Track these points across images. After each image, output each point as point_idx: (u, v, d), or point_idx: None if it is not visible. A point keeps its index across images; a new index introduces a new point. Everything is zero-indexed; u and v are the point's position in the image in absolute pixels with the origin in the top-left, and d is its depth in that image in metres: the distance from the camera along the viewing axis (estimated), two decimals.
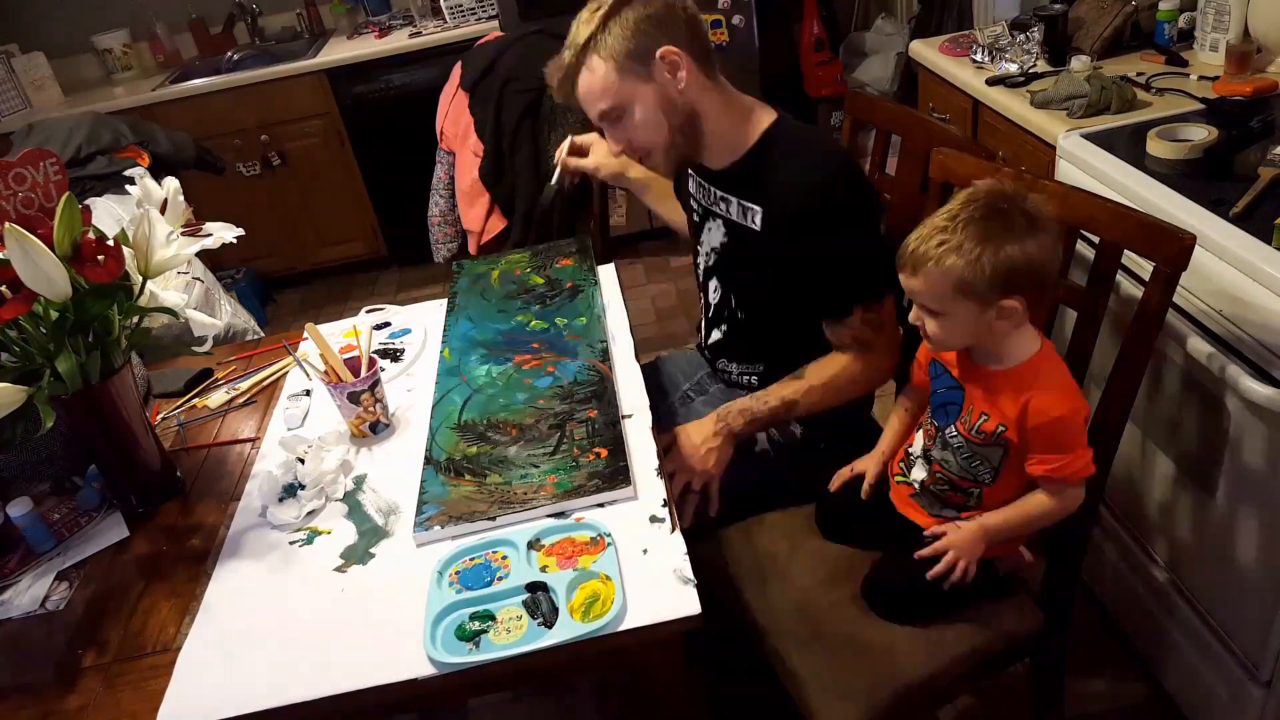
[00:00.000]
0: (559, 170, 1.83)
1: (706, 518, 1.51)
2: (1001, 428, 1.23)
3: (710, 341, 1.69)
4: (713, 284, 1.63)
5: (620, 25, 1.36)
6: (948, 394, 1.30)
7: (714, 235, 1.57)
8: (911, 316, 1.24)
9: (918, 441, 1.39)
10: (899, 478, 1.41)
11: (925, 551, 1.29)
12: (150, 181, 1.35)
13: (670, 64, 1.38)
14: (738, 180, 1.48)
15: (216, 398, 1.66)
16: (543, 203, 1.86)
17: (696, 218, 1.63)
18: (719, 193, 1.53)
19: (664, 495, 1.24)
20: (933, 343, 1.26)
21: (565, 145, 1.84)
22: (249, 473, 1.44)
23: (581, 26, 1.39)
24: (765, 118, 1.47)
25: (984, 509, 1.30)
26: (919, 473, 1.37)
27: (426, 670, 1.04)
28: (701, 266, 1.64)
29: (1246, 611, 1.45)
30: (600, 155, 1.82)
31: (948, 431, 1.29)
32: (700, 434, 1.50)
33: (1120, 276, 1.37)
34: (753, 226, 1.48)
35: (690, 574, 1.10)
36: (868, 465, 1.46)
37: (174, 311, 1.30)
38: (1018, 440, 1.23)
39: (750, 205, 1.47)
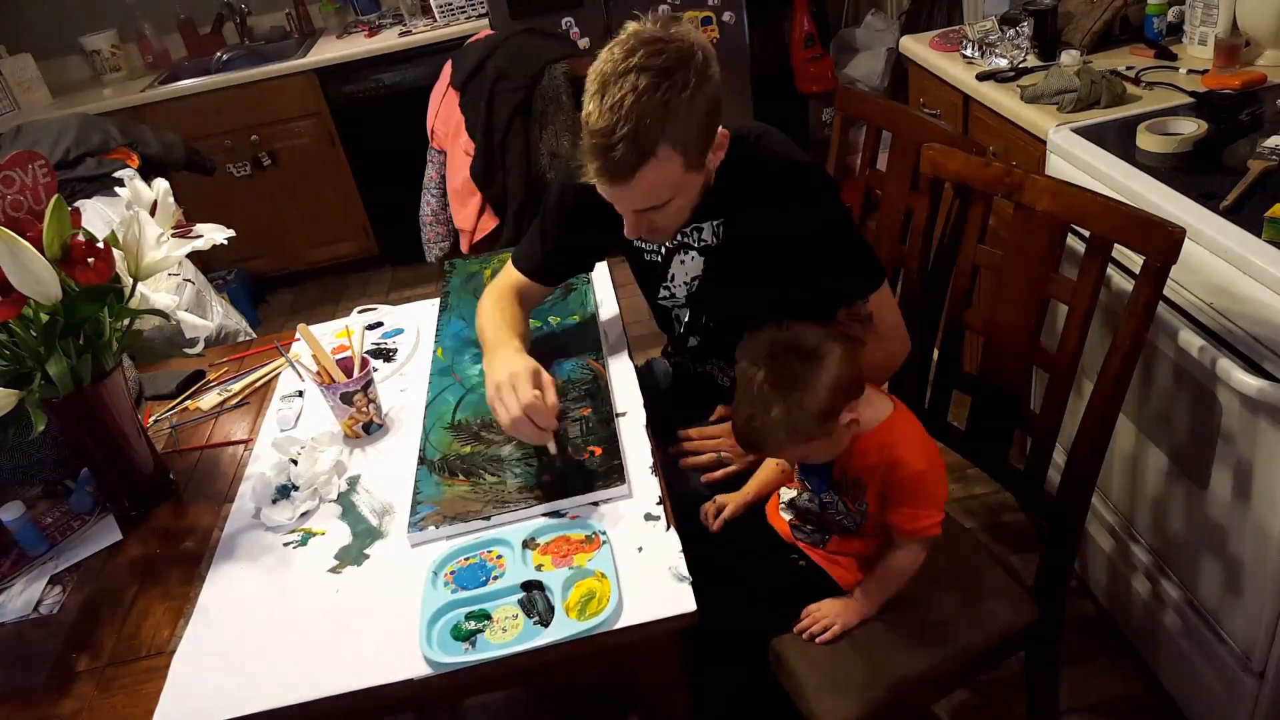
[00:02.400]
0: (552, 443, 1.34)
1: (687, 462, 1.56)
2: (857, 481, 1.30)
3: (689, 347, 1.63)
4: (687, 314, 1.57)
5: (688, 110, 1.17)
6: (819, 468, 1.34)
7: (690, 267, 1.49)
8: (781, 474, 1.37)
9: (785, 493, 1.46)
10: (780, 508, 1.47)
11: (805, 625, 1.36)
12: (140, 183, 1.34)
13: (719, 146, 1.27)
14: (704, 209, 1.39)
15: (209, 400, 1.65)
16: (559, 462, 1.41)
17: (659, 259, 1.52)
18: (690, 225, 1.43)
19: (658, 493, 1.24)
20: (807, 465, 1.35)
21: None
22: (242, 474, 1.44)
23: (627, 95, 1.14)
24: (720, 150, 1.33)
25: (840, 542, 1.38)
26: (786, 514, 1.44)
27: (423, 670, 1.04)
28: (680, 298, 1.55)
29: (1239, 602, 1.46)
30: (549, 391, 1.34)
31: (823, 496, 1.36)
32: None
33: (1111, 270, 1.37)
34: (718, 241, 1.44)
35: (685, 571, 1.11)
36: (729, 499, 1.49)
37: (165, 313, 1.30)
38: (880, 493, 1.29)
39: (715, 222, 1.43)
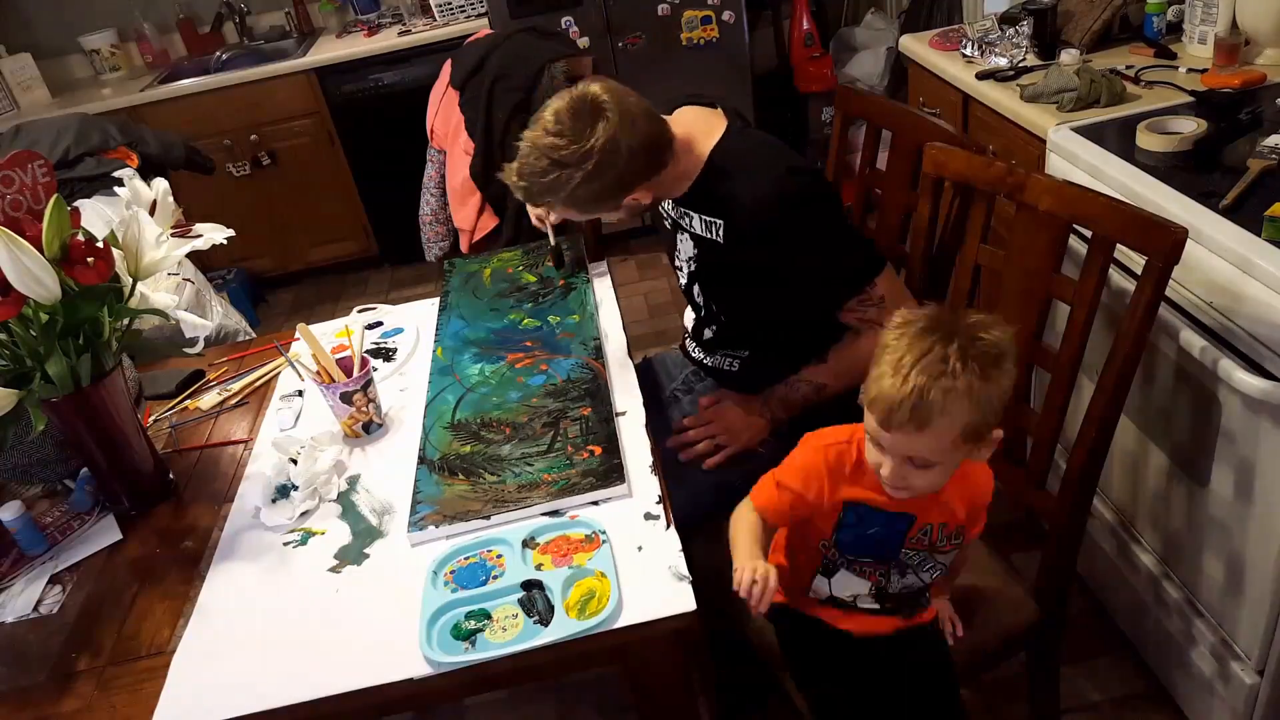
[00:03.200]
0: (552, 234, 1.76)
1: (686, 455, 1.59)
2: (960, 527, 1.19)
3: (704, 339, 1.69)
4: (696, 289, 1.63)
5: (585, 195, 1.36)
6: (885, 529, 1.17)
7: (686, 247, 1.58)
8: (887, 476, 1.08)
9: (852, 586, 1.23)
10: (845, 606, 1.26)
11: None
12: (139, 182, 1.34)
13: (634, 199, 1.42)
14: (697, 198, 1.48)
15: (208, 399, 1.65)
16: (559, 265, 1.81)
17: (669, 227, 1.62)
18: (683, 209, 1.53)
19: (658, 492, 1.24)
20: (909, 493, 1.11)
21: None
22: (242, 474, 1.44)
23: (538, 178, 1.35)
24: (714, 132, 1.47)
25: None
26: (869, 604, 1.25)
27: (423, 670, 1.04)
28: (684, 274, 1.64)
29: (1239, 601, 1.46)
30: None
31: (904, 558, 1.19)
32: (747, 410, 1.58)
33: (1112, 270, 1.37)
34: (717, 239, 1.49)
35: (685, 570, 1.10)
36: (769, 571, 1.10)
37: (164, 313, 1.30)
38: (969, 527, 1.22)
39: (711, 219, 1.48)
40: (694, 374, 1.76)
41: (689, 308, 1.74)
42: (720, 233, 1.47)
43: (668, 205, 1.59)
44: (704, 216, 1.49)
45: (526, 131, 1.38)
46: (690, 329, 1.75)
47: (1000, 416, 1.06)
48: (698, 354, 1.72)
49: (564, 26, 3.38)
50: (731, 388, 1.67)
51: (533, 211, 1.77)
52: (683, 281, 1.67)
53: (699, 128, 1.48)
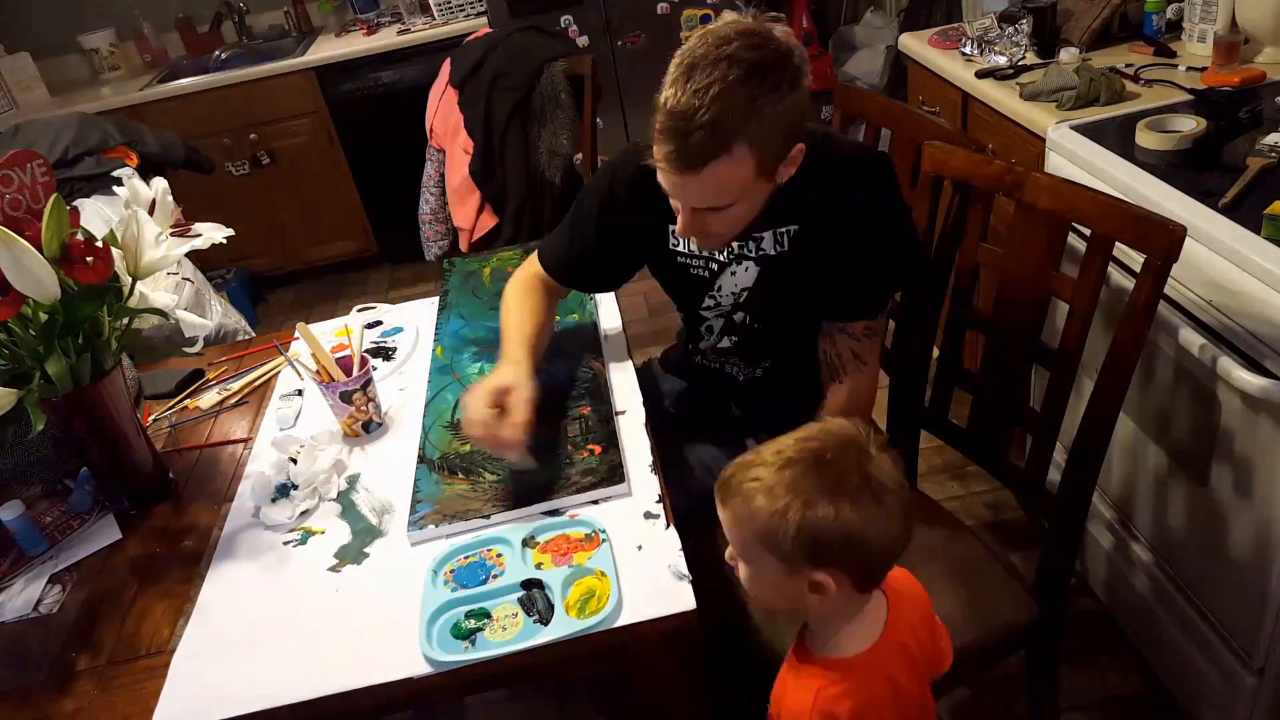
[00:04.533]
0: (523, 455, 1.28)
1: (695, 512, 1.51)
2: None
3: (718, 347, 1.56)
4: (740, 317, 1.48)
5: (774, 113, 1.12)
6: None
7: (741, 278, 1.42)
8: (727, 554, 0.98)
9: None
10: None
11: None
12: (138, 182, 1.34)
13: (794, 160, 1.21)
14: (769, 214, 1.31)
15: (208, 399, 1.65)
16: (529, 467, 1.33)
17: (701, 272, 1.45)
18: (752, 233, 1.36)
19: (658, 492, 1.24)
20: (746, 590, 0.98)
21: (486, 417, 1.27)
22: (242, 473, 1.44)
23: (716, 82, 1.08)
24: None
25: None
26: None
27: (423, 669, 1.04)
28: (723, 309, 1.48)
29: (1239, 600, 1.46)
30: (527, 388, 1.30)
31: None
32: None
33: (1111, 268, 1.37)
34: (783, 250, 1.36)
35: (685, 569, 1.10)
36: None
37: (164, 312, 1.30)
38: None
39: (785, 229, 1.35)
40: (686, 388, 1.69)
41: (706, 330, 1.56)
42: (787, 241, 1.35)
43: (703, 248, 1.42)
44: (777, 229, 1.34)
45: (669, 89, 1.11)
46: (688, 346, 1.62)
47: (812, 549, 0.89)
48: (708, 361, 1.60)
49: (563, 25, 3.38)
50: (736, 395, 1.59)
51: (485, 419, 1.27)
52: (710, 318, 1.50)
53: None
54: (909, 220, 1.39)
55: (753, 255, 1.39)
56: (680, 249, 1.45)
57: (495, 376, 1.31)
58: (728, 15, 1.16)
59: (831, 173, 1.30)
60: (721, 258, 1.41)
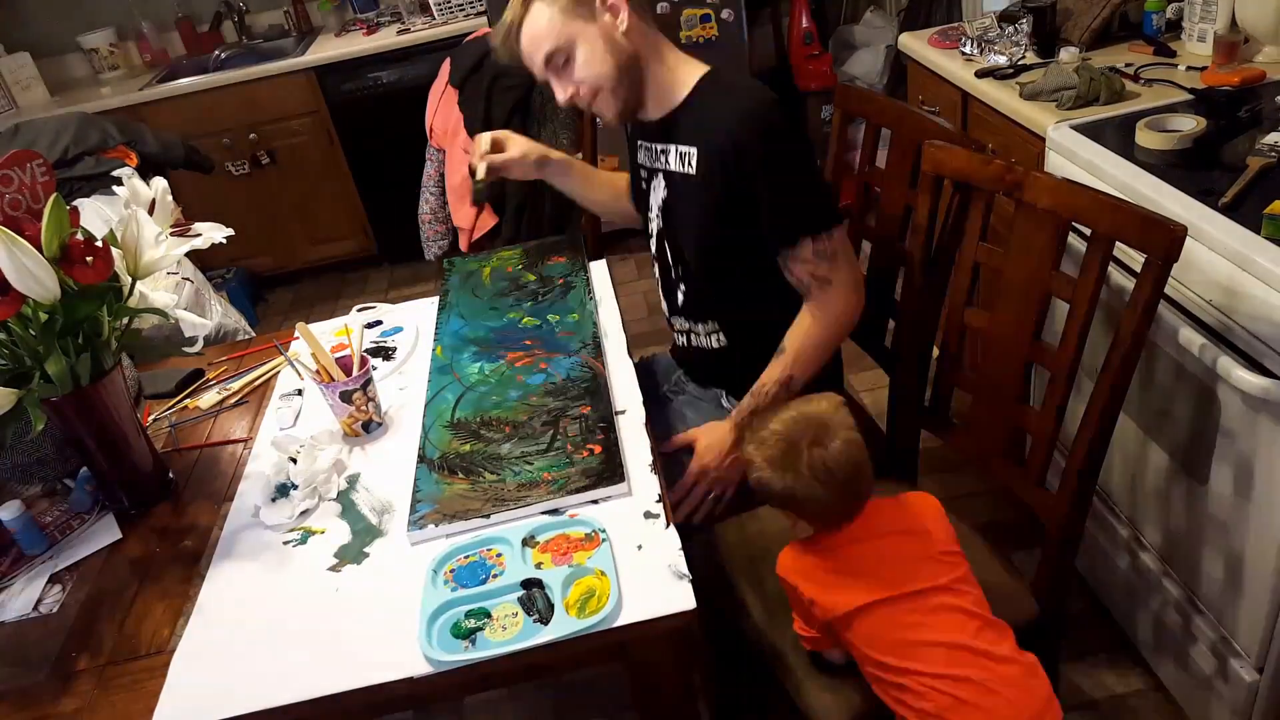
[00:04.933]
0: (483, 167, 1.68)
1: (699, 517, 1.53)
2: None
3: (680, 304, 1.66)
4: (665, 245, 1.63)
5: None
6: None
7: (657, 195, 1.59)
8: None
9: None
10: None
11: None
12: (138, 181, 1.34)
13: (611, 7, 1.42)
14: (674, 126, 1.50)
15: (208, 398, 1.65)
16: (475, 203, 1.86)
17: (644, 185, 1.63)
18: (658, 146, 1.54)
19: (658, 491, 1.24)
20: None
21: (483, 142, 1.70)
22: (241, 473, 1.44)
23: None
24: (699, 69, 1.50)
25: None
26: None
27: (423, 668, 1.04)
28: (654, 231, 1.64)
29: (1239, 599, 1.46)
30: (521, 144, 1.72)
31: None
32: (724, 441, 1.53)
33: (1111, 268, 1.37)
34: (689, 171, 1.49)
35: (685, 569, 1.10)
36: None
37: (164, 312, 1.30)
38: None
39: (685, 148, 1.49)
40: (684, 376, 1.76)
41: (659, 289, 1.72)
42: (692, 163, 1.48)
43: (643, 156, 1.61)
44: (679, 147, 1.50)
45: None
46: (664, 299, 1.72)
47: (763, 495, 1.21)
48: (679, 325, 1.69)
49: None
50: (716, 372, 1.67)
51: (477, 150, 1.70)
52: (653, 244, 1.66)
53: (691, 60, 1.52)
54: (800, 168, 1.46)
55: (661, 168, 1.56)
56: (639, 159, 1.64)
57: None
58: None
59: (724, 104, 1.44)
60: (645, 171, 1.62)
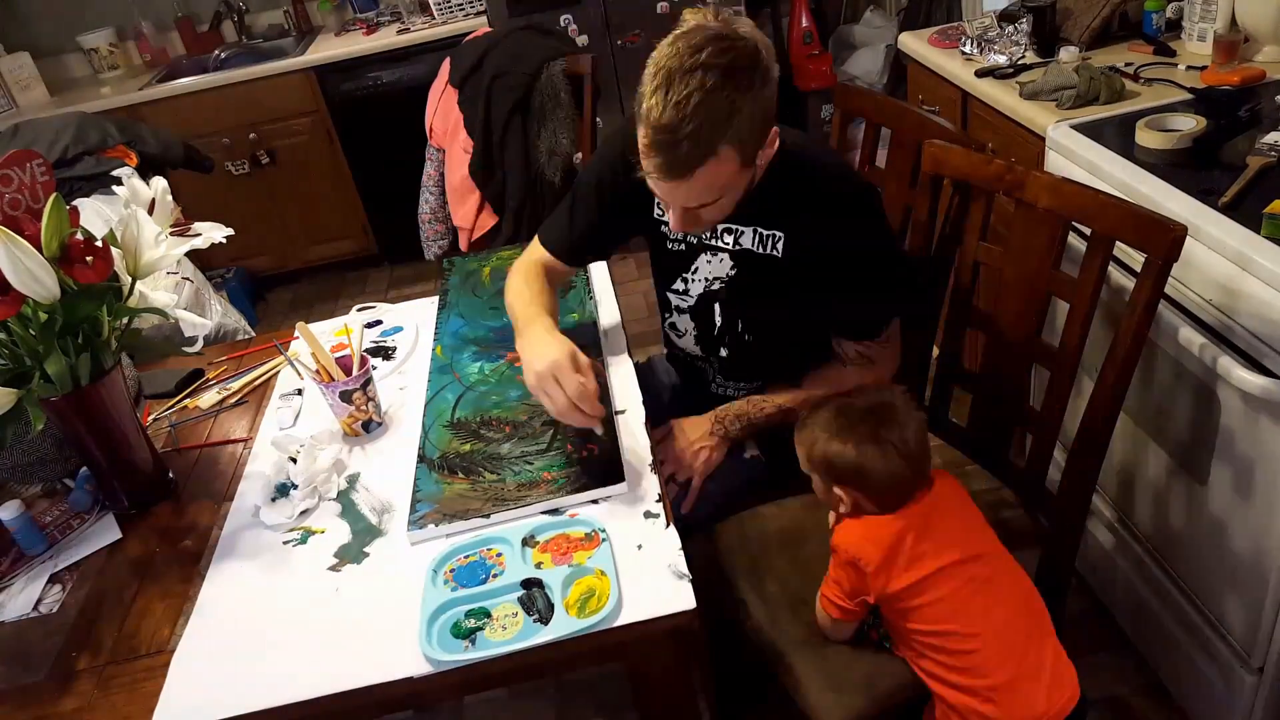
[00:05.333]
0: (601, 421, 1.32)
1: (680, 514, 1.52)
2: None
3: (719, 365, 1.60)
4: (717, 308, 1.53)
5: (751, 110, 1.17)
6: None
7: (715, 268, 1.48)
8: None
9: None
10: None
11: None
12: (138, 181, 1.34)
13: (770, 144, 1.26)
14: (755, 208, 1.37)
15: (208, 398, 1.65)
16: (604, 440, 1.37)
17: (678, 247, 1.51)
18: (724, 224, 1.43)
19: (658, 491, 1.24)
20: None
21: (590, 398, 1.28)
22: (241, 473, 1.44)
23: (694, 92, 1.13)
24: (773, 138, 1.30)
25: None
26: None
27: (423, 668, 1.04)
28: (695, 295, 1.53)
29: (1238, 599, 1.46)
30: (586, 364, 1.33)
31: None
32: (696, 431, 1.52)
33: (1111, 267, 1.37)
34: (774, 254, 1.41)
35: (685, 569, 1.10)
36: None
37: (163, 312, 1.30)
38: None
39: (769, 232, 1.40)
40: (681, 386, 1.73)
41: (689, 336, 1.60)
42: (779, 247, 1.40)
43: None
44: (761, 229, 1.40)
45: (650, 100, 1.15)
46: (694, 350, 1.61)
47: (825, 470, 1.30)
48: (717, 380, 1.64)
49: (563, 25, 3.38)
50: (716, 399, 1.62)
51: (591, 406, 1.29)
52: (689, 303, 1.55)
53: None
54: (898, 256, 1.45)
55: (728, 248, 1.45)
56: (657, 216, 1.51)
57: (549, 346, 1.31)
58: (688, 15, 1.20)
59: (817, 189, 1.36)
60: (696, 239, 1.48)
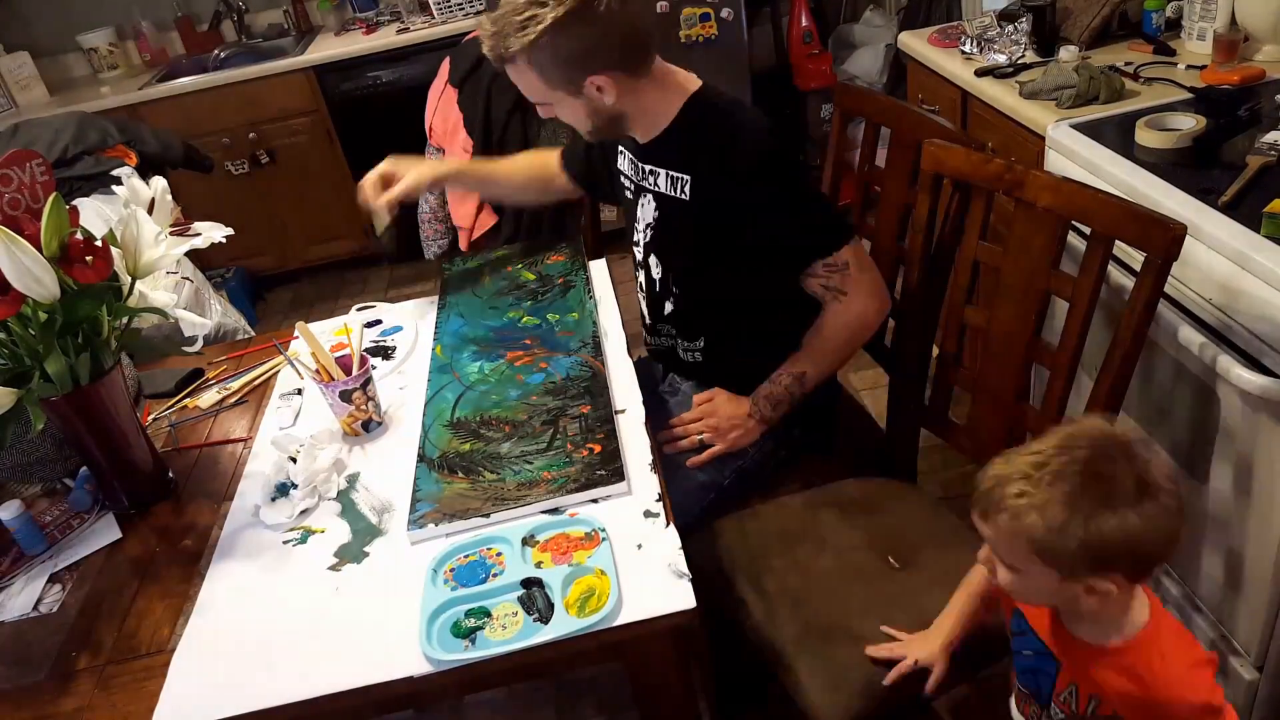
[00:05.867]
0: (383, 215, 1.66)
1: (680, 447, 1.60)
2: (1116, 716, 1.03)
3: (666, 313, 1.66)
4: (653, 260, 1.62)
5: (553, 48, 1.33)
6: (1037, 660, 1.10)
7: (647, 211, 1.57)
8: (982, 556, 1.03)
9: (1014, 714, 1.23)
10: None
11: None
12: (138, 181, 1.34)
13: (598, 88, 1.39)
14: (664, 151, 1.49)
15: (207, 398, 1.65)
16: (385, 250, 1.75)
17: (630, 194, 1.62)
18: (648, 167, 1.53)
19: (658, 490, 1.24)
20: (1006, 591, 1.04)
21: (368, 187, 1.68)
22: (241, 473, 1.44)
23: (513, 15, 1.34)
24: (688, 86, 1.47)
25: None
26: None
27: (423, 668, 1.04)
28: (640, 244, 1.63)
29: (1238, 597, 1.46)
30: (415, 173, 1.69)
31: (1052, 712, 1.12)
32: (737, 409, 1.57)
33: (1111, 267, 1.37)
34: (682, 197, 1.48)
35: (685, 568, 1.10)
36: (932, 657, 1.25)
37: (163, 311, 1.30)
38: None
39: (678, 175, 1.48)
40: (677, 377, 1.75)
41: (642, 294, 1.70)
42: (686, 190, 1.47)
43: (628, 166, 1.59)
44: (670, 172, 1.49)
45: None
46: (647, 307, 1.70)
47: (1094, 560, 0.91)
48: (665, 332, 1.68)
49: None
50: (698, 379, 1.67)
51: (365, 195, 1.67)
52: (639, 255, 1.64)
53: (679, 77, 1.48)
54: (799, 197, 1.46)
55: (652, 189, 1.54)
56: (622, 167, 1.62)
57: (408, 159, 1.68)
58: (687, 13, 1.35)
59: (720, 139, 1.42)
60: (631, 183, 1.60)
